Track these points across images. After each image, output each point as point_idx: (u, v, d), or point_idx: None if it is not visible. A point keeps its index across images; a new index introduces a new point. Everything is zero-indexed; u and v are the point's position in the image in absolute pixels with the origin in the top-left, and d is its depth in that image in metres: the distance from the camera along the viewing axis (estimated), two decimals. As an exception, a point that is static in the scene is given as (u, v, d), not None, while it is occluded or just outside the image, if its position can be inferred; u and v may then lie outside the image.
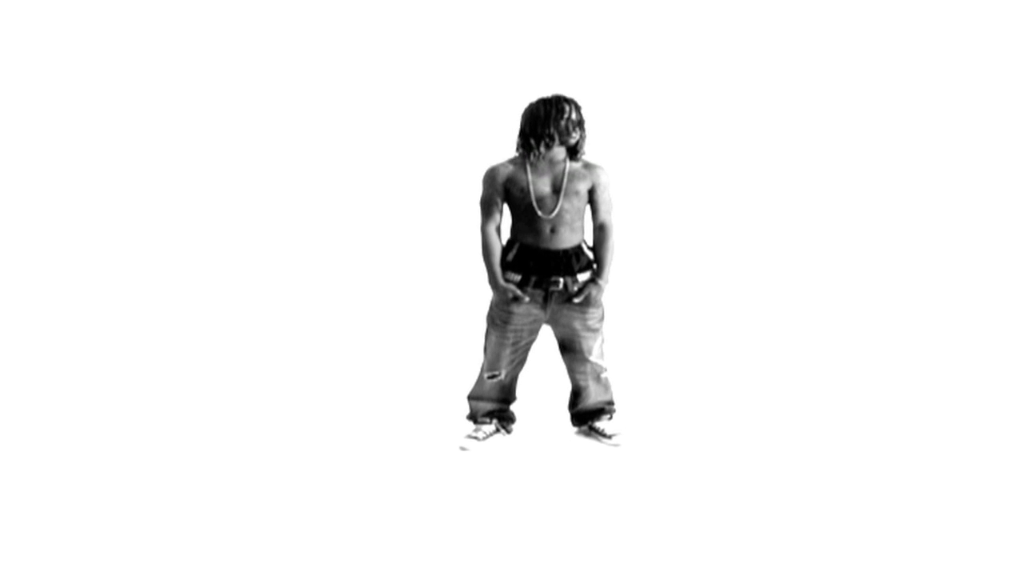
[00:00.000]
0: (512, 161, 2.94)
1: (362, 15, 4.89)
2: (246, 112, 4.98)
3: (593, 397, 3.18)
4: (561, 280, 2.94)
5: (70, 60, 4.85)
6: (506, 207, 2.98)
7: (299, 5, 4.88)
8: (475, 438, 3.14)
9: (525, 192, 2.88)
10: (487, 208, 2.95)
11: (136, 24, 4.84)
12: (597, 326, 3.06)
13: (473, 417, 3.21)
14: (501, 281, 2.96)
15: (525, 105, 2.91)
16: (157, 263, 4.96)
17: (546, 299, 2.98)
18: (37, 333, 4.34)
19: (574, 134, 2.87)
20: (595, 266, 3.00)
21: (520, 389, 3.26)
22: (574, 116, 2.86)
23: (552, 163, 2.90)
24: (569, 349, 3.10)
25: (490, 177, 2.93)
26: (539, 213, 2.88)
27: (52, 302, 4.66)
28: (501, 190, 2.92)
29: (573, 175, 2.90)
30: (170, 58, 4.89)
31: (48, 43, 4.80)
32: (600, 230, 2.99)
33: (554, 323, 3.05)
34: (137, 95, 4.91)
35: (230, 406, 3.52)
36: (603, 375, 3.16)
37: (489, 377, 3.13)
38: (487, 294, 3.07)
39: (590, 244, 3.02)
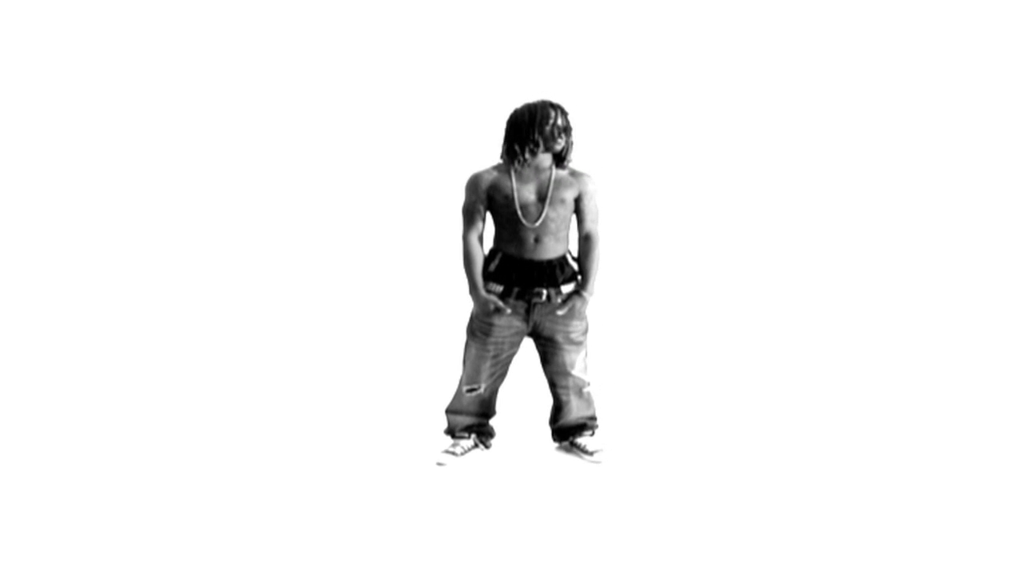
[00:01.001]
0: (496, 168, 2.86)
1: (347, 20, 4.81)
2: (228, 123, 4.87)
3: (575, 412, 3.10)
4: (544, 291, 2.86)
5: (70, 61, 4.77)
6: (489, 215, 2.90)
7: (287, 10, 4.79)
8: (453, 453, 3.05)
9: (509, 200, 2.81)
10: (469, 216, 2.87)
11: (135, 24, 4.76)
12: (580, 339, 2.99)
13: (451, 432, 3.12)
14: (482, 292, 2.88)
15: (510, 110, 2.83)
16: (137, 266, 4.85)
17: (528, 311, 2.90)
18: (36, 334, 4.30)
19: (560, 140, 2.79)
20: (580, 277, 2.93)
21: (500, 403, 3.17)
22: (560, 122, 2.78)
23: (537, 170, 2.83)
24: (551, 362, 3.01)
25: (473, 184, 2.86)
26: (523, 222, 2.81)
27: (46, 302, 4.60)
28: (484, 197, 2.84)
29: (559, 183, 2.83)
30: (166, 59, 4.80)
31: (47, 43, 4.72)
32: (586, 240, 2.92)
33: (536, 335, 2.98)
34: (134, 96, 4.82)
35: (208, 417, 3.42)
36: (586, 390, 3.08)
37: (468, 391, 3.04)
38: (467, 304, 2.98)
39: (575, 254, 2.95)
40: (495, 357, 2.97)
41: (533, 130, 2.75)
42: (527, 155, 2.78)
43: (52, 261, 4.78)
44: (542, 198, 2.81)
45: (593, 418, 3.14)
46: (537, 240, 2.82)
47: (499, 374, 3.04)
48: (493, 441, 3.17)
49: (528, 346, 3.05)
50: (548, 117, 2.75)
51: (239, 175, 4.93)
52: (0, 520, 2.56)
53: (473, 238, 2.87)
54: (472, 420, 3.10)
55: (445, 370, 3.48)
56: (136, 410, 3.48)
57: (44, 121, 4.78)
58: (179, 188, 4.93)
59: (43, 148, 4.81)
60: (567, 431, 3.14)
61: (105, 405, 3.52)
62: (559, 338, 2.94)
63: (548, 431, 3.20)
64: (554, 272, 2.86)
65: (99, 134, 4.84)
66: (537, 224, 2.80)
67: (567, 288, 2.89)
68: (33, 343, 4.21)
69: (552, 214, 2.81)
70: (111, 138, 4.85)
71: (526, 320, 2.91)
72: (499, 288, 2.87)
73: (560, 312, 2.89)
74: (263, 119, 4.88)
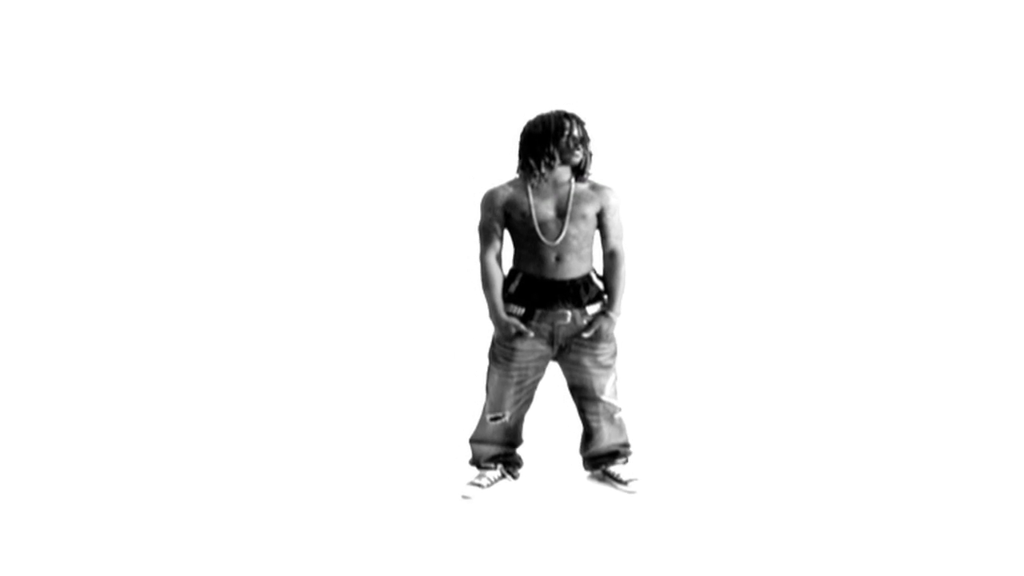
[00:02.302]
0: (512, 183, 2.74)
1: (362, 29, 4.72)
2: (240, 135, 4.81)
3: (607, 439, 2.96)
4: (568, 313, 2.73)
5: (70, 64, 4.75)
6: (507, 234, 2.78)
7: (302, 18, 4.73)
8: (478, 485, 2.92)
9: (527, 217, 2.68)
10: (486, 235, 2.76)
11: (138, 29, 4.72)
12: (609, 363, 2.85)
13: (476, 462, 2.99)
14: (503, 315, 2.75)
15: (525, 122, 2.71)
16: (151, 277, 4.80)
17: (553, 334, 2.76)
18: (43, 339, 4.34)
19: (577, 152, 2.67)
20: (606, 297, 2.80)
21: (527, 431, 3.03)
22: (576, 133, 2.66)
23: (556, 185, 2.70)
24: (579, 388, 2.88)
25: (488, 201, 2.74)
26: (543, 239, 2.68)
27: (60, 308, 4.60)
28: (501, 215, 2.73)
29: (579, 197, 2.70)
30: (177, 69, 4.76)
31: (48, 48, 4.70)
32: (610, 257, 2.79)
33: (562, 360, 2.84)
34: (144, 100, 4.77)
35: (225, 445, 3.33)
36: (617, 415, 2.94)
37: (492, 419, 2.91)
38: (488, 328, 2.85)
39: (600, 273, 2.82)
40: (519, 383, 2.84)
41: (548, 143, 2.63)
42: (543, 169, 2.66)
43: (61, 268, 4.75)
44: (562, 214, 2.69)
45: (626, 445, 2.99)
46: (559, 259, 2.70)
47: (524, 401, 2.90)
48: (521, 471, 3.03)
49: (555, 369, 2.92)
50: (563, 128, 2.64)
51: (254, 190, 4.85)
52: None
53: (491, 258, 2.76)
54: (498, 450, 2.96)
55: (468, 397, 3.36)
56: (161, 437, 3.40)
57: (46, 126, 4.75)
58: (207, 213, 4.87)
59: (47, 153, 4.78)
60: (599, 459, 2.99)
61: (118, 422, 3.50)
62: (587, 362, 2.81)
63: (579, 459, 3.06)
64: (578, 292, 2.73)
65: (105, 140, 4.79)
66: (558, 242, 2.68)
67: (593, 309, 2.77)
68: (42, 350, 4.23)
69: (573, 231, 2.68)
70: (122, 145, 4.79)
71: (551, 344, 2.78)
72: (520, 310, 2.75)
73: (586, 334, 2.76)
74: (277, 132, 4.79)
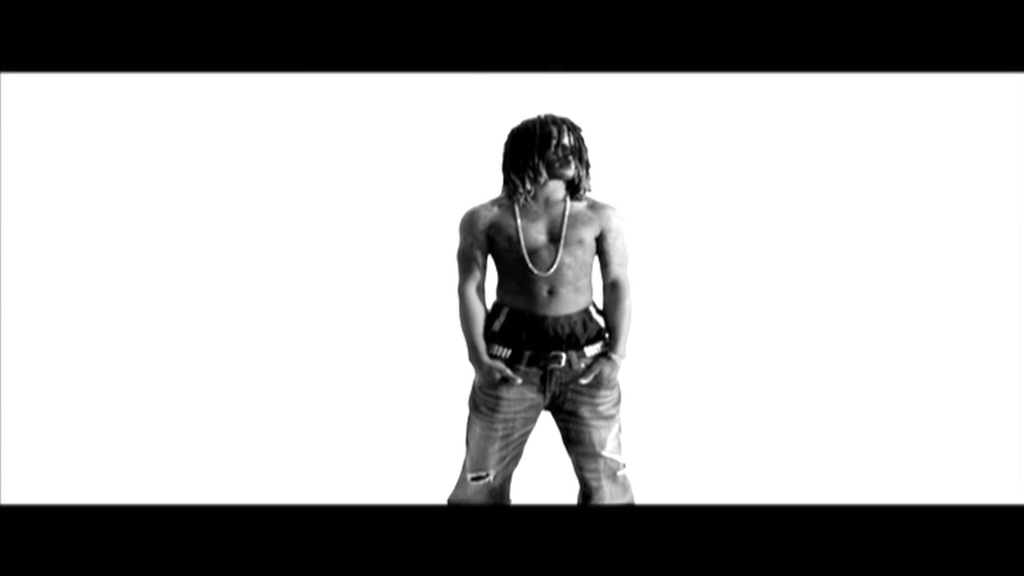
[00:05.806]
0: (497, 202, 2.44)
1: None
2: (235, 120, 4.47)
3: (608, 500, 2.59)
4: (563, 355, 2.41)
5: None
6: (491, 261, 2.48)
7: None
8: (459, 553, 2.53)
9: (514, 242, 2.38)
10: (466, 263, 2.45)
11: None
12: (611, 412, 2.50)
13: (456, 526, 2.61)
14: (485, 357, 2.42)
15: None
16: (138, 286, 4.44)
17: (545, 380, 2.43)
18: (48, 341, 4.22)
19: (568, 165, 2.36)
20: (607, 336, 2.48)
21: (515, 488, 2.68)
22: (566, 141, 2.35)
23: (548, 204, 2.40)
24: (576, 442, 2.52)
25: (468, 223, 2.44)
26: (533, 269, 2.37)
27: (67, 310, 4.36)
28: (483, 240, 2.43)
29: (575, 219, 2.39)
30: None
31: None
32: (612, 289, 2.47)
33: (556, 410, 2.50)
34: (147, 101, 4.43)
35: (196, 471, 3.32)
36: (620, 472, 2.57)
37: (473, 478, 2.55)
38: (469, 372, 2.53)
39: (600, 307, 2.50)
40: (505, 438, 2.48)
41: (532, 154, 2.34)
42: (528, 185, 2.36)
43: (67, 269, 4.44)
44: (555, 239, 2.38)
45: (631, 506, 2.63)
46: (551, 292, 2.38)
47: (511, 457, 2.55)
48: (509, 536, 2.66)
49: (548, 418, 2.57)
50: (550, 136, 2.33)
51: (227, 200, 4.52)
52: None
53: (471, 290, 2.45)
54: (481, 512, 2.61)
55: (446, 449, 3.06)
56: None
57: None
58: (183, 236, 4.54)
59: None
60: (599, 523, 2.61)
61: (110, 428, 3.65)
62: (585, 412, 2.46)
63: (576, 523, 2.69)
64: (574, 330, 2.41)
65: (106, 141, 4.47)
66: (550, 272, 2.37)
67: (592, 350, 2.44)
68: (47, 352, 4.14)
69: (568, 259, 2.37)
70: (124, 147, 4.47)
71: (542, 391, 2.44)
72: (506, 352, 2.42)
73: (584, 380, 2.43)
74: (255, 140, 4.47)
